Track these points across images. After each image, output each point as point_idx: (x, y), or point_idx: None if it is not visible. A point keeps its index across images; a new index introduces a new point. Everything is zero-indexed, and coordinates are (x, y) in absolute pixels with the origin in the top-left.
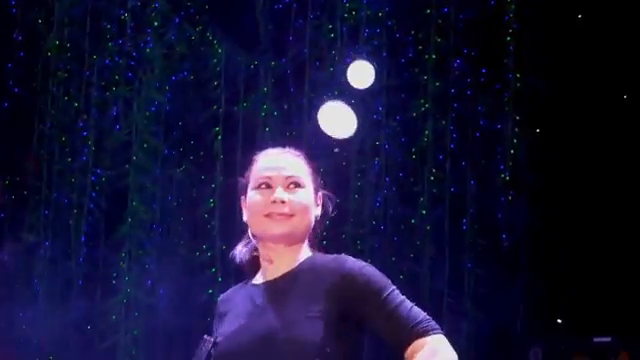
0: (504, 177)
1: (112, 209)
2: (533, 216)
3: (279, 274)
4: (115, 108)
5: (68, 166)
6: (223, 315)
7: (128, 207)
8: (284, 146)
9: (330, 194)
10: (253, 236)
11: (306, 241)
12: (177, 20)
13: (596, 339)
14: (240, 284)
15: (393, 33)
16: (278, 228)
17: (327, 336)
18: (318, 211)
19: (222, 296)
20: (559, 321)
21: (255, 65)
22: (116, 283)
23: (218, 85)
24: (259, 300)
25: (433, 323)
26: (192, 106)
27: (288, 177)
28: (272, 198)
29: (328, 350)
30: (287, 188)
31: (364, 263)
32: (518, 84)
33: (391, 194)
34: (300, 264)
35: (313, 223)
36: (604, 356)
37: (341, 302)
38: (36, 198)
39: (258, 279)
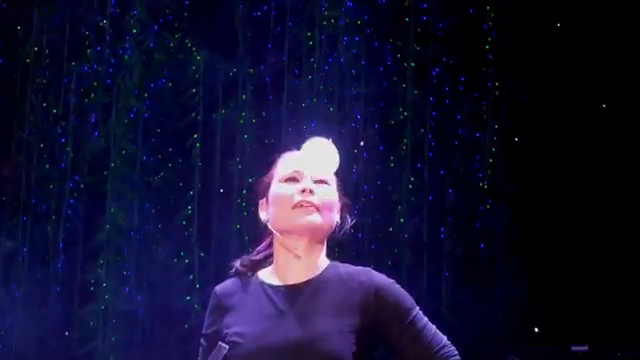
0: (482, 185)
1: (90, 216)
2: (511, 224)
3: (303, 279)
4: (93, 115)
5: (46, 172)
6: (228, 309)
7: (106, 214)
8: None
9: (350, 204)
10: (276, 230)
11: (325, 246)
12: (156, 27)
13: (574, 348)
14: (241, 278)
15: (372, 41)
16: (306, 218)
17: (357, 351)
18: (338, 218)
19: (221, 288)
20: (536, 330)
21: (234, 72)
22: (94, 289)
23: (196, 92)
24: (282, 304)
25: (453, 348)
26: (170, 113)
27: (314, 174)
28: (301, 187)
29: None
30: (315, 183)
31: (392, 280)
32: (497, 92)
33: (369, 202)
34: (323, 271)
35: (333, 227)
36: None
37: (370, 317)
38: (14, 204)
39: (271, 279)
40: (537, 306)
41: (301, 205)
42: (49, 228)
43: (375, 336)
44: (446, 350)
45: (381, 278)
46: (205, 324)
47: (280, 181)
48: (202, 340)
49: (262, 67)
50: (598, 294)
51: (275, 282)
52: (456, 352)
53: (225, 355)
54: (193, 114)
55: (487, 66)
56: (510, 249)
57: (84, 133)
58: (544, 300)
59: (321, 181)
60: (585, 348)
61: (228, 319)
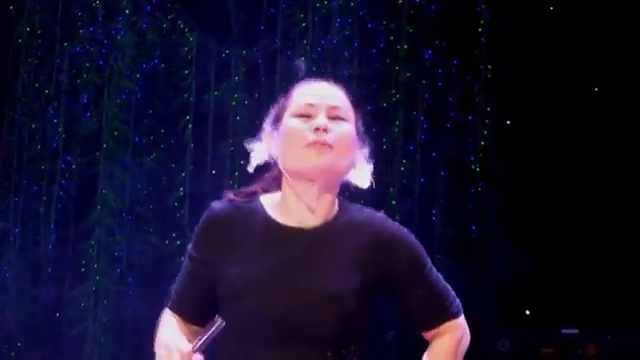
0: (474, 168)
1: (82, 197)
2: (503, 207)
3: (313, 224)
4: (86, 95)
5: (38, 153)
6: (227, 240)
7: (98, 195)
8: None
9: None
10: (286, 171)
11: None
12: (148, 8)
13: (564, 331)
14: (241, 203)
15: (365, 23)
16: (319, 159)
17: (368, 307)
18: (361, 156)
19: (221, 210)
20: (527, 312)
21: (226, 54)
22: (85, 271)
23: (189, 73)
24: (293, 248)
25: (459, 302)
26: (163, 94)
27: (333, 107)
28: (315, 124)
29: (363, 321)
30: (331, 119)
31: (406, 230)
32: (489, 75)
33: None
34: (337, 216)
35: (349, 169)
36: (571, 348)
37: (384, 270)
38: (6, 185)
39: (279, 214)
40: (528, 289)
41: (314, 145)
42: (40, 209)
43: (384, 288)
44: (455, 305)
45: (396, 229)
46: (194, 243)
47: (292, 116)
48: (187, 260)
49: (255, 49)
50: (589, 277)
51: (284, 220)
52: (460, 305)
53: (223, 296)
54: (185, 95)
55: (479, 49)
56: (501, 232)
57: (76, 114)
58: (535, 283)
59: (338, 118)
60: (575, 331)
61: (227, 254)
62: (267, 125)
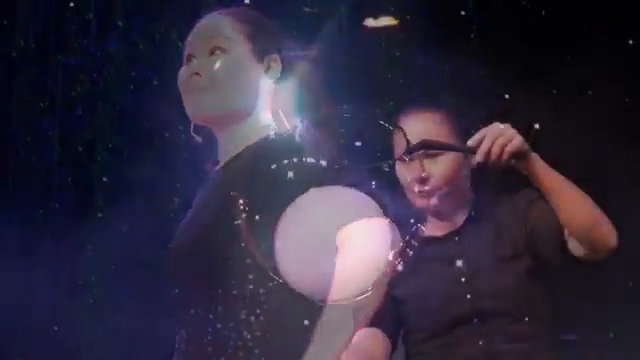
0: None
1: (77, 209)
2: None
3: (222, 164)
4: (80, 108)
5: (33, 165)
6: None
7: (94, 207)
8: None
9: (297, 54)
10: None
11: (261, 119)
12: (141, 19)
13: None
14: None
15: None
16: (197, 105)
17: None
18: (268, 77)
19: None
20: None
21: None
22: (82, 283)
23: None
24: (202, 197)
25: (372, 204)
26: (156, 105)
27: (208, 41)
28: (189, 71)
29: (247, 261)
30: (210, 55)
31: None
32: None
33: None
34: (250, 147)
35: (252, 93)
36: None
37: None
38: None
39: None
40: None
41: (190, 90)
42: (36, 221)
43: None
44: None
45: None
46: None
47: (183, 62)
48: None
49: None
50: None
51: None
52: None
53: None
54: (178, 106)
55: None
56: None
57: (71, 126)
58: None
59: (216, 48)
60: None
61: None
62: None
